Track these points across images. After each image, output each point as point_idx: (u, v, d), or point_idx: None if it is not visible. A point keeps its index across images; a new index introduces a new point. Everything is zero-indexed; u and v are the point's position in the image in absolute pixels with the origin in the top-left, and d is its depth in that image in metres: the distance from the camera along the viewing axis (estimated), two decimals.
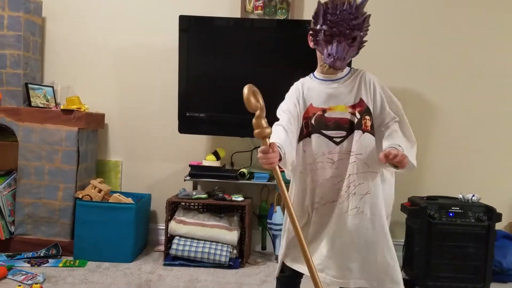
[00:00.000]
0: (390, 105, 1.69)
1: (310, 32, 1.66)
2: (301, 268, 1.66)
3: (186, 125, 2.98)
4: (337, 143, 1.65)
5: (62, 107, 2.96)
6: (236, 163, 3.22)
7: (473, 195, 2.70)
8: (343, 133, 1.64)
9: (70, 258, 2.82)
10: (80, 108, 2.93)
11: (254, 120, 1.37)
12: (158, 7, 3.22)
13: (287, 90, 1.78)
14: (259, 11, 3.13)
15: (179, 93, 2.96)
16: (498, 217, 2.60)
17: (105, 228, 2.79)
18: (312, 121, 1.68)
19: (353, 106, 1.66)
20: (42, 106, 2.97)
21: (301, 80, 1.77)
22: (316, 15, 1.62)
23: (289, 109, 1.69)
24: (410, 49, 3.14)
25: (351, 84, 1.68)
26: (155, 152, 3.28)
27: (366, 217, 1.64)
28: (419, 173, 3.14)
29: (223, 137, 3.18)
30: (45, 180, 2.87)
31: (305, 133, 1.69)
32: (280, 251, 1.79)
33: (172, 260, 2.80)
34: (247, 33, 3.00)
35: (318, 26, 1.61)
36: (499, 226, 2.71)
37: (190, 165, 3.01)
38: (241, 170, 2.97)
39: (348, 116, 1.65)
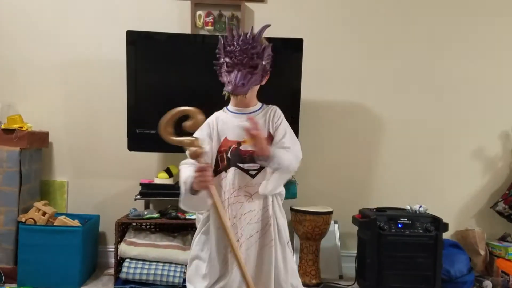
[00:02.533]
0: (289, 140, 1.68)
1: (216, 66, 1.68)
2: None
3: (136, 142, 2.89)
4: (252, 176, 1.65)
5: (2, 126, 2.82)
6: None
7: (420, 206, 2.78)
8: (257, 165, 1.64)
9: (14, 285, 2.69)
10: (22, 127, 2.81)
11: (187, 140, 1.48)
12: (106, 20, 3.15)
13: None
14: (209, 27, 3.13)
15: (128, 110, 2.88)
16: (445, 226, 2.69)
17: (50, 252, 2.68)
18: (228, 155, 1.67)
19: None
20: None
21: (215, 114, 1.77)
22: (218, 49, 1.67)
23: None
24: (356, 63, 3.21)
25: (262, 118, 1.70)
26: (103, 171, 3.17)
27: (277, 247, 1.67)
28: (369, 185, 3.22)
29: (176, 153, 3.12)
30: None
31: (221, 167, 1.67)
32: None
33: (122, 284, 2.69)
34: (197, 48, 2.96)
35: (222, 59, 1.65)
36: (446, 235, 2.80)
37: (141, 184, 2.93)
38: None
39: None
